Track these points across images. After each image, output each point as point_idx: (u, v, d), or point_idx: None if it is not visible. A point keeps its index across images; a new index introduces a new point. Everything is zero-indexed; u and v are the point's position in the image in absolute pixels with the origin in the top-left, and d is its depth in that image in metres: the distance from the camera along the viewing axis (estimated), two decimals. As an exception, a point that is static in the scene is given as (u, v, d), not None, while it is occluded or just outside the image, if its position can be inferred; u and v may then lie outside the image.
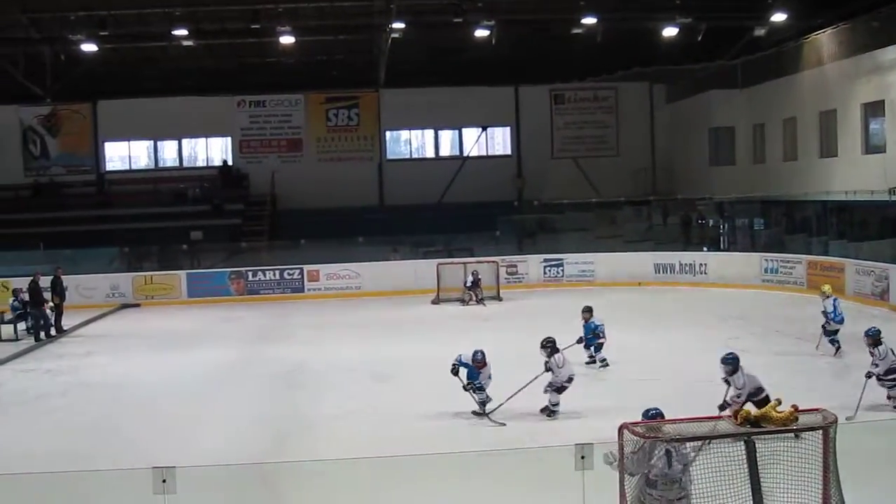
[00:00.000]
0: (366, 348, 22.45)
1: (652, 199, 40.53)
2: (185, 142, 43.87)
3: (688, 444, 8.48)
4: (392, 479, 10.52)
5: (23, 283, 26.41)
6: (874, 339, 15.08)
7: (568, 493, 8.95)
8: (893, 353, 14.77)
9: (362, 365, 20.14)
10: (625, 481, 8.38)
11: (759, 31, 32.93)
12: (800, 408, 8.35)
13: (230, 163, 42.89)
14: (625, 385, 17.17)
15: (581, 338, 18.89)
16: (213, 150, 43.91)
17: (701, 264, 32.35)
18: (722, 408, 12.89)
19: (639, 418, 9.05)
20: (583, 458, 8.80)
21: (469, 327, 25.31)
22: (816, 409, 8.47)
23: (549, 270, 33.66)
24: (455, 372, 15.07)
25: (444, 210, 40.64)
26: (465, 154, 44.17)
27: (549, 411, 15.07)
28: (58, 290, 26.59)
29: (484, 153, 44.39)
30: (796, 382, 16.22)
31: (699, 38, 33.28)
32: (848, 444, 8.34)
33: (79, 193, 41.89)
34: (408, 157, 44.72)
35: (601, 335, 19.17)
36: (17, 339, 25.21)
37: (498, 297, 30.71)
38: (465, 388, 15.05)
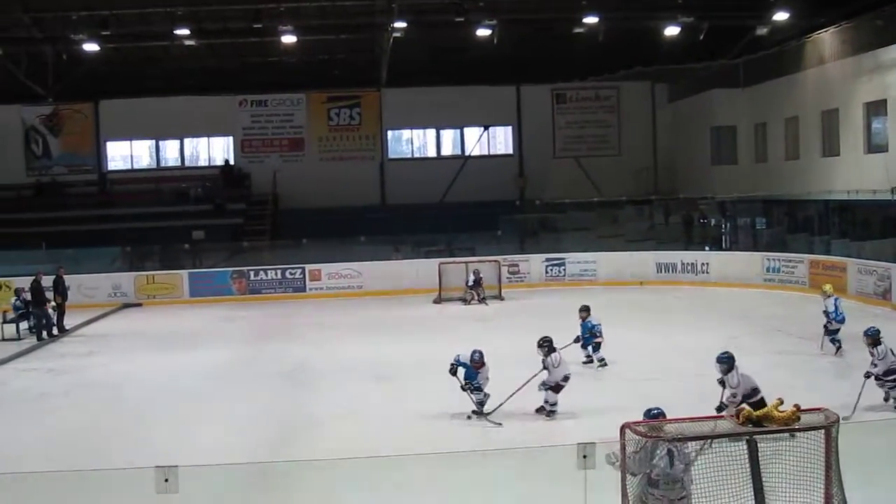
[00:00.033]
0: (367, 348, 22.45)
1: (654, 198, 40.50)
2: (186, 141, 43.88)
3: (689, 444, 8.48)
4: (393, 478, 10.55)
5: (25, 282, 26.39)
6: (873, 338, 15.04)
7: (570, 493, 8.95)
8: (893, 354, 14.73)
9: (364, 364, 20.15)
10: (626, 481, 8.38)
11: (762, 30, 32.91)
12: (802, 407, 8.35)
13: (232, 162, 42.91)
14: (626, 384, 17.18)
15: (578, 337, 18.90)
16: (214, 150, 43.92)
17: (703, 264, 32.32)
18: (719, 410, 12.87)
19: (640, 418, 9.05)
20: (585, 457, 8.79)
21: (471, 327, 25.31)
22: (818, 409, 8.47)
23: (551, 270, 33.65)
24: (453, 372, 15.06)
25: (446, 209, 40.61)
26: (467, 153, 44.16)
27: (548, 411, 15.06)
28: (60, 289, 26.61)
29: (486, 152, 44.38)
30: (798, 382, 16.24)
31: (701, 38, 33.27)
32: (849, 444, 8.33)
33: (81, 193, 41.92)
34: (409, 156, 44.75)
35: (598, 334, 19.16)
36: (19, 339, 25.21)
37: (500, 297, 30.72)
38: (462, 388, 15.04)
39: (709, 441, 8.56)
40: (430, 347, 21.01)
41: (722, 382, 13.35)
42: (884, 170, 28.12)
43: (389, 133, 44.08)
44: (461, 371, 15.09)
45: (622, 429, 8.24)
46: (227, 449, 13.37)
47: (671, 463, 8.43)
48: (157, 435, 14.81)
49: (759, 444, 8.18)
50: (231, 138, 43.23)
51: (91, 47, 33.46)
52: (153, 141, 43.62)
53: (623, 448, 8.26)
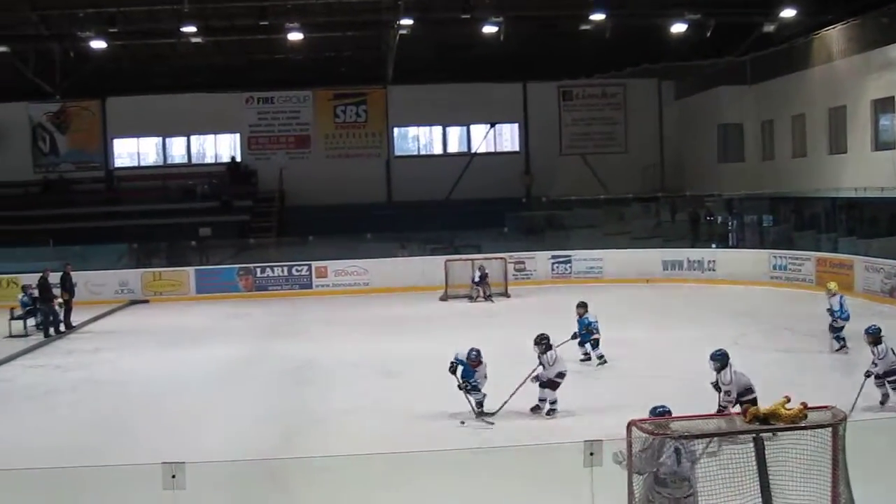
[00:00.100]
0: (374, 345, 22.47)
1: (660, 195, 40.46)
2: (193, 138, 43.96)
3: (695, 442, 8.47)
4: (400, 476, 10.54)
5: (32, 279, 26.46)
6: (875, 337, 14.91)
7: (576, 490, 8.95)
8: (894, 353, 14.62)
9: (370, 361, 20.16)
10: (633, 479, 8.37)
11: (769, 27, 32.84)
12: (809, 405, 8.33)
13: (238, 159, 42.96)
14: (630, 382, 17.15)
15: (575, 333, 18.90)
16: (221, 147, 43.98)
17: (709, 261, 32.29)
18: (720, 412, 12.80)
19: (644, 415, 9.02)
20: (591, 454, 8.78)
21: (477, 324, 25.29)
22: (825, 407, 8.45)
23: (557, 267, 33.64)
24: (453, 370, 14.99)
25: (452, 207, 40.64)
26: (473, 151, 44.18)
27: (549, 409, 15.04)
28: (67, 286, 26.65)
29: (492, 150, 44.43)
30: (804, 379, 16.21)
31: (708, 35, 33.22)
32: (855, 442, 8.32)
33: (88, 190, 42.00)
34: (416, 153, 44.77)
35: (595, 331, 19.10)
36: (26, 335, 25.25)
37: (506, 294, 30.72)
38: (459, 387, 14.99)
39: (715, 439, 8.56)
40: (436, 344, 20.92)
41: (716, 386, 13.24)
42: (891, 167, 28.07)
43: (396, 130, 44.11)
44: (460, 369, 15.07)
45: (628, 426, 8.23)
46: (233, 445, 13.39)
47: (679, 461, 8.42)
48: (164, 431, 14.82)
49: (765, 442, 8.17)
50: (238, 135, 43.28)
51: (98, 45, 33.51)
52: (160, 138, 43.72)
53: (629, 446, 8.25)
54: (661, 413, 9.25)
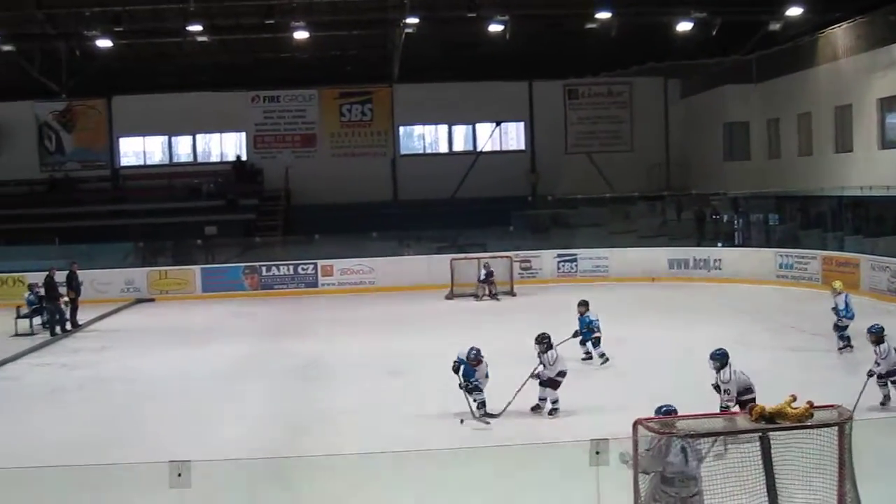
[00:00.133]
0: (379, 343, 22.49)
1: (666, 194, 40.43)
2: (199, 137, 43.95)
3: (701, 441, 8.46)
4: (405, 474, 10.54)
5: (38, 277, 26.52)
6: (877, 336, 14.88)
7: (583, 489, 8.94)
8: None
9: (376, 360, 20.19)
10: (639, 479, 8.36)
11: (775, 26, 32.78)
12: (815, 404, 8.32)
13: (244, 158, 42.97)
14: (635, 381, 17.14)
15: (577, 331, 18.90)
16: (227, 146, 43.98)
17: (715, 260, 32.28)
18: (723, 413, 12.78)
19: (648, 414, 9.00)
20: (598, 453, 8.78)
21: (482, 323, 25.30)
22: (832, 406, 8.44)
23: (563, 265, 33.64)
24: (456, 370, 15.01)
25: (458, 205, 40.62)
26: (479, 149, 44.16)
27: (552, 409, 15.04)
28: (73, 284, 26.69)
29: (497, 148, 44.36)
30: (811, 378, 16.16)
31: (714, 33, 33.18)
32: (859, 442, 8.31)
33: (94, 189, 42.04)
34: (421, 152, 44.76)
35: (596, 329, 19.11)
36: (32, 334, 25.28)
37: (512, 293, 30.71)
38: (460, 386, 14.97)
39: (722, 441, 8.56)
40: (442, 343, 20.89)
41: (717, 388, 13.20)
42: (898, 166, 28.07)
43: (401, 129, 44.10)
44: (462, 369, 15.05)
45: (635, 425, 8.22)
46: (239, 444, 13.40)
47: (686, 460, 8.41)
48: (170, 430, 14.85)
49: (771, 441, 8.16)
50: (243, 134, 43.29)
51: (104, 43, 33.51)
52: (166, 137, 43.72)
53: (635, 445, 8.24)
54: (666, 412, 9.23)
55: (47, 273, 25.94)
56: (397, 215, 38.89)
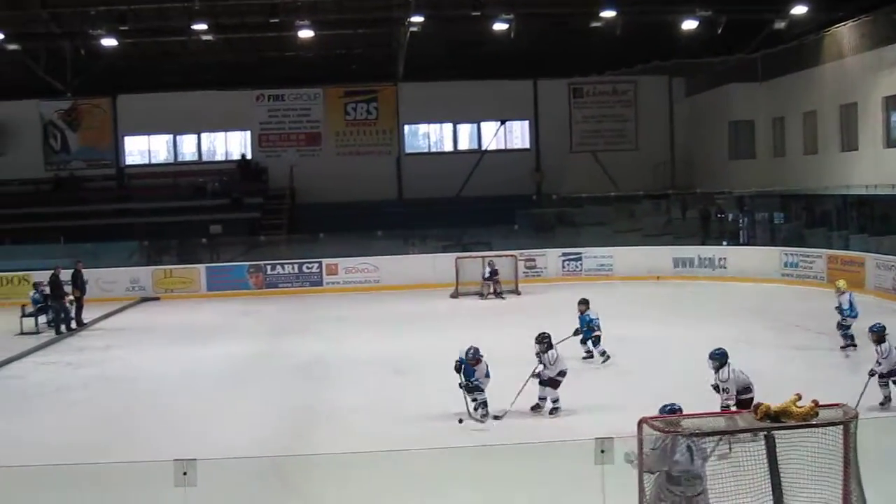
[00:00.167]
0: (384, 342, 22.51)
1: (671, 192, 40.38)
2: (204, 136, 43.95)
3: (706, 439, 8.46)
4: (410, 473, 10.54)
5: (43, 276, 26.54)
6: (878, 335, 14.79)
7: (588, 488, 8.94)
8: None
9: (381, 358, 20.19)
10: (644, 478, 8.36)
11: (780, 24, 32.73)
12: (820, 402, 8.32)
13: (249, 157, 42.98)
14: (638, 380, 17.12)
15: (577, 329, 18.90)
16: (232, 144, 44.00)
17: (720, 258, 32.26)
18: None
19: (652, 413, 8.98)
20: (602, 452, 8.78)
21: (487, 321, 25.33)
22: (837, 405, 8.43)
23: (568, 264, 33.64)
24: (458, 369, 15.01)
25: (463, 204, 40.65)
26: (484, 148, 44.14)
27: (552, 408, 15.01)
28: (78, 283, 26.74)
29: (502, 147, 44.34)
30: (815, 377, 16.16)
31: (719, 32, 33.13)
32: (864, 441, 8.30)
33: (99, 187, 42.07)
34: (426, 150, 44.73)
35: (597, 328, 19.11)
36: (37, 332, 25.32)
37: (516, 291, 30.71)
38: (460, 385, 14.96)
39: (727, 441, 8.55)
40: (447, 342, 20.90)
41: (716, 388, 13.16)
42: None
43: (406, 127, 44.08)
44: (464, 368, 15.04)
45: (640, 424, 8.22)
46: (244, 442, 13.41)
47: (692, 459, 8.40)
48: (176, 428, 14.87)
49: (776, 440, 8.15)
50: (248, 133, 43.30)
51: (109, 42, 33.53)
52: (171, 136, 43.75)
53: (640, 443, 8.23)
54: (670, 411, 9.21)
55: (52, 272, 25.97)
56: (402, 214, 38.92)
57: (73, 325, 26.07)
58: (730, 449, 8.68)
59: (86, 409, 16.94)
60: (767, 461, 8.13)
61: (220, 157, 44.00)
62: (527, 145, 44.19)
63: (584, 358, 18.95)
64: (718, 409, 12.57)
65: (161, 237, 36.14)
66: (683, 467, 8.40)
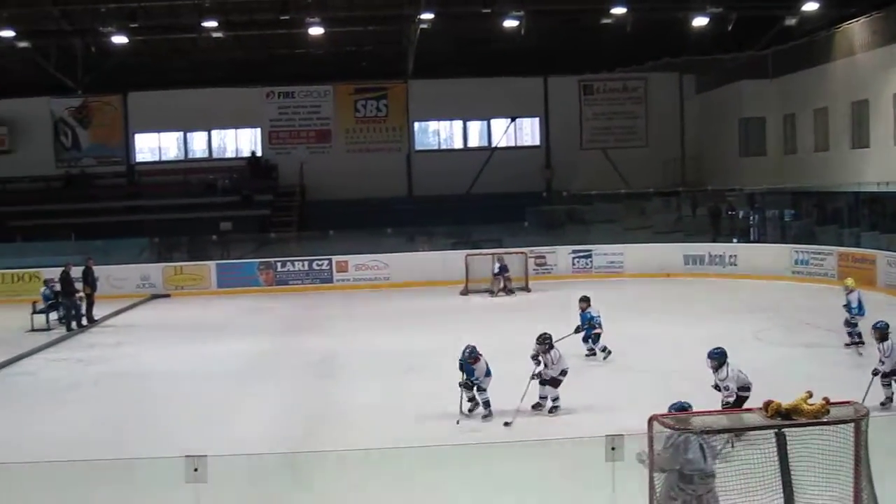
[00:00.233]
0: (394, 339, 22.49)
1: (681, 190, 40.33)
2: (214, 133, 44.04)
3: (715, 437, 8.44)
4: (421, 469, 10.56)
5: (54, 273, 26.59)
6: (881, 333, 14.68)
7: (598, 484, 8.94)
8: None
9: (390, 355, 20.17)
10: (654, 476, 8.34)
11: (791, 21, 32.60)
12: (831, 400, 8.29)
13: (259, 154, 43.07)
14: (645, 378, 17.01)
15: (579, 326, 18.88)
16: (242, 142, 44.08)
17: (731, 256, 32.19)
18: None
19: (661, 410, 8.95)
20: (613, 449, 8.77)
21: (496, 319, 25.31)
22: (848, 402, 8.41)
23: (578, 261, 33.60)
24: (462, 367, 15.01)
25: (473, 201, 40.65)
26: (494, 145, 44.14)
27: (552, 407, 14.93)
28: (89, 280, 26.78)
29: (512, 144, 44.35)
30: (826, 374, 16.12)
31: (730, 28, 33.02)
32: (873, 439, 8.28)
33: (109, 184, 42.25)
34: (436, 147, 44.75)
35: (597, 326, 19.09)
36: (48, 329, 25.38)
37: (526, 288, 30.68)
38: (460, 384, 14.92)
39: (727, 438, 8.54)
40: (457, 339, 20.89)
41: (717, 388, 13.10)
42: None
43: (416, 125, 44.11)
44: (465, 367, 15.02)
45: (650, 421, 8.20)
46: (254, 439, 13.42)
47: (704, 457, 8.38)
48: (186, 424, 14.89)
49: (787, 438, 8.13)
50: (258, 130, 43.38)
51: (120, 40, 33.57)
52: (181, 133, 43.84)
53: (650, 441, 8.22)
54: (679, 408, 9.19)
55: (63, 268, 26.03)
56: (412, 211, 38.93)
57: (84, 321, 26.12)
58: (732, 446, 8.67)
59: (96, 405, 17.01)
60: (778, 459, 8.11)
61: (230, 154, 44.09)
62: (537, 142, 44.19)
63: (587, 356, 18.93)
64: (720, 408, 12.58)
65: (171, 234, 36.16)
66: (696, 466, 8.38)
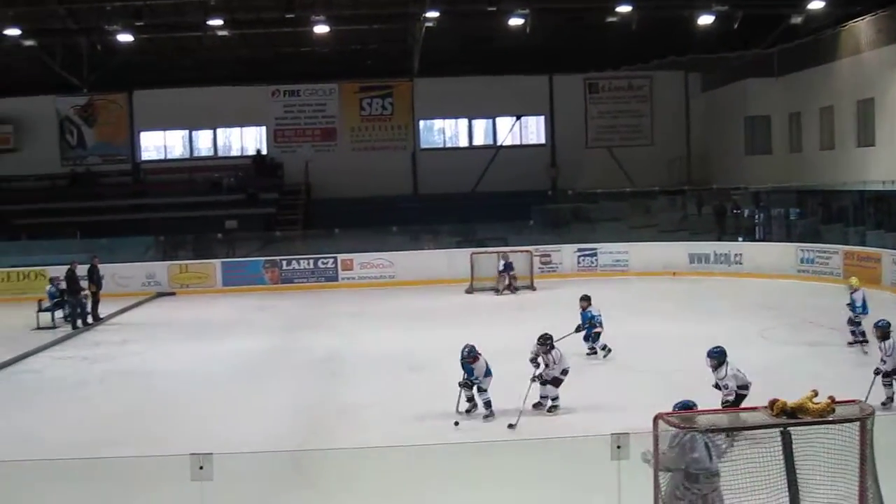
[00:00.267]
0: (400, 337, 22.52)
1: (687, 188, 40.26)
2: (219, 131, 44.04)
3: (720, 436, 8.44)
4: (425, 468, 10.56)
5: (60, 271, 26.65)
6: (883, 331, 14.63)
7: (604, 484, 8.93)
8: None
9: (396, 354, 20.20)
10: (660, 475, 8.34)
11: (796, 19, 32.59)
12: (836, 399, 8.29)
13: (264, 152, 43.05)
14: (649, 377, 16.97)
15: (579, 325, 18.89)
16: (247, 140, 44.08)
17: (736, 254, 32.18)
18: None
19: (664, 409, 8.93)
20: (619, 448, 8.76)
21: (501, 317, 25.32)
22: (853, 401, 8.40)
23: (583, 260, 33.60)
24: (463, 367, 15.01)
25: (478, 199, 40.62)
26: (499, 143, 44.12)
27: (551, 406, 14.92)
28: (94, 278, 26.83)
29: (518, 142, 44.31)
30: (831, 373, 16.10)
31: (735, 26, 32.97)
32: (882, 438, 8.27)
33: (115, 183, 42.25)
34: (441, 146, 44.70)
35: (598, 325, 19.10)
36: (54, 327, 25.42)
37: (531, 287, 30.68)
38: (460, 384, 14.91)
39: (727, 435, 8.53)
40: (462, 338, 20.88)
41: (717, 387, 13.08)
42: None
43: (421, 123, 44.08)
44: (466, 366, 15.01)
45: (655, 419, 8.20)
46: (260, 437, 13.45)
47: (710, 456, 8.37)
48: (191, 423, 14.91)
49: (792, 436, 8.12)
50: (264, 128, 43.38)
51: (125, 38, 33.60)
52: (186, 131, 43.83)
53: (656, 439, 8.21)
54: (684, 407, 9.18)
55: (69, 267, 26.10)
56: (417, 209, 38.90)
57: (90, 319, 26.19)
58: (732, 445, 8.66)
59: (102, 403, 17.01)
60: (784, 457, 8.11)
61: (235, 152, 44.08)
62: (542, 141, 44.16)
63: (588, 354, 18.95)
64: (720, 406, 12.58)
65: (177, 232, 36.19)
66: (702, 465, 8.37)
